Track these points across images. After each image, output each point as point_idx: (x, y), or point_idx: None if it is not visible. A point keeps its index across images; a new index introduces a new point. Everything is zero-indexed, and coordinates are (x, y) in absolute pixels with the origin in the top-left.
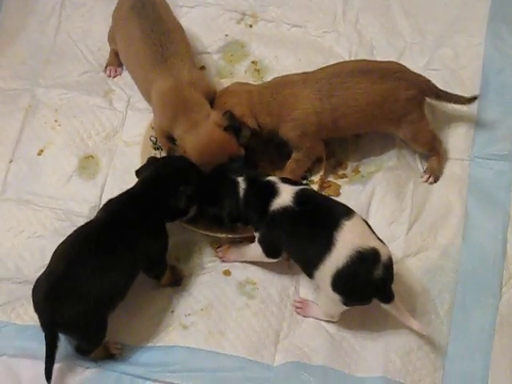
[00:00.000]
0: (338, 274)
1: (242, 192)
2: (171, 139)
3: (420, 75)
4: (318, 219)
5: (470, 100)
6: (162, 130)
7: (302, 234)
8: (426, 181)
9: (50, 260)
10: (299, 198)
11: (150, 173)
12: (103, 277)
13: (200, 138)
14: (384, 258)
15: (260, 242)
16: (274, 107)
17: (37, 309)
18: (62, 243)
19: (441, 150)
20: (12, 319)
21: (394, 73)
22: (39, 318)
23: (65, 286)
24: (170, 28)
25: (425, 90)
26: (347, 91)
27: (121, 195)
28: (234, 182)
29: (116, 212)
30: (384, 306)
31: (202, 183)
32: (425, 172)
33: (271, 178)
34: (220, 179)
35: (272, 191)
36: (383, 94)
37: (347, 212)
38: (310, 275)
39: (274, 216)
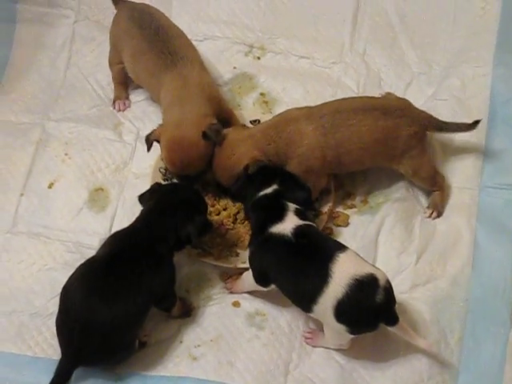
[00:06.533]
0: (340, 304)
1: (261, 193)
2: None
3: (422, 111)
4: (312, 253)
5: (472, 125)
6: None
7: (296, 268)
8: (429, 216)
9: (60, 300)
10: (298, 231)
11: (155, 204)
12: (112, 309)
13: (178, 124)
14: (382, 281)
15: (249, 259)
16: (281, 146)
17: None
18: (67, 283)
19: (444, 185)
20: (23, 351)
21: (396, 110)
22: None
23: (85, 324)
24: (174, 34)
25: (426, 125)
26: (351, 128)
27: (124, 229)
28: (268, 183)
29: (119, 247)
30: (390, 328)
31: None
32: (428, 208)
33: (289, 204)
34: (265, 180)
35: (279, 215)
36: (385, 132)
37: (340, 246)
38: (308, 310)
39: (270, 238)
